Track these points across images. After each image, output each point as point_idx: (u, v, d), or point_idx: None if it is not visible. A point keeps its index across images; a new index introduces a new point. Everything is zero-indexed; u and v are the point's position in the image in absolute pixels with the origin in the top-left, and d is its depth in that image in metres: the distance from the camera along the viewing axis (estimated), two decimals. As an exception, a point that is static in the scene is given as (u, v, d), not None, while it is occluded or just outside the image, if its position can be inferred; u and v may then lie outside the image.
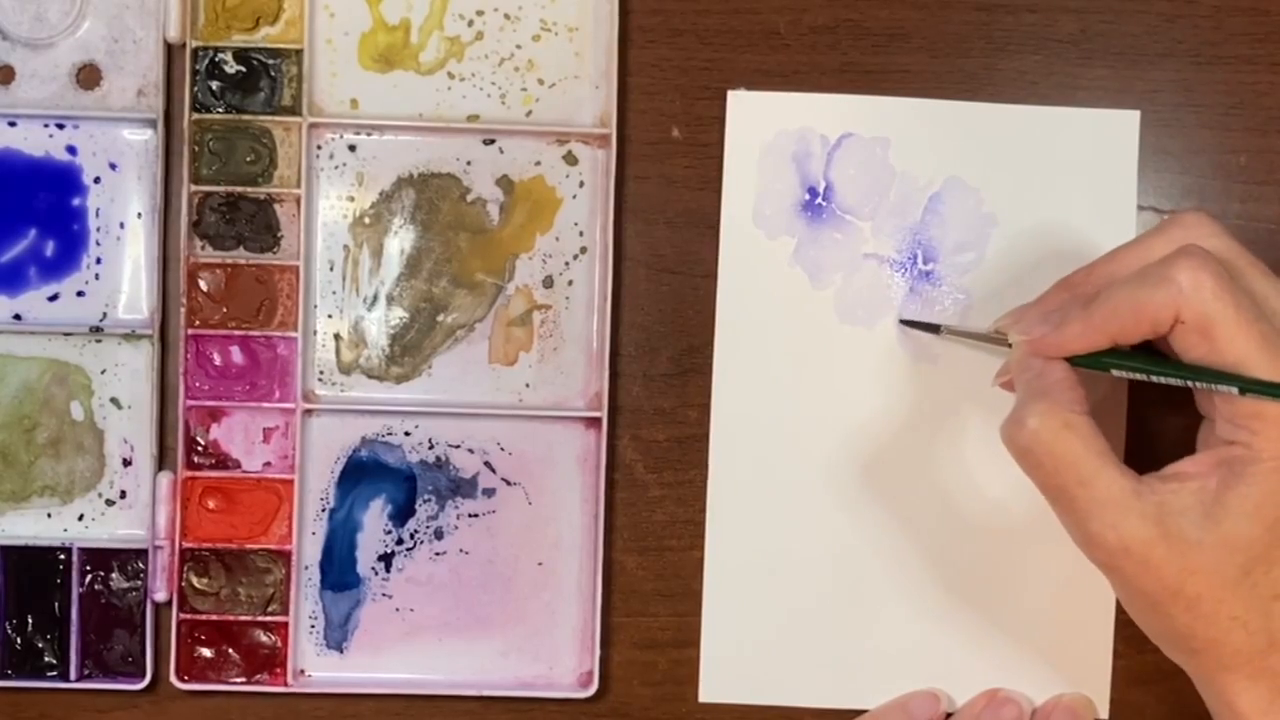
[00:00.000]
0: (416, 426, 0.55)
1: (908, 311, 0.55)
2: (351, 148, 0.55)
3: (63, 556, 0.54)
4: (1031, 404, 0.47)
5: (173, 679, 0.54)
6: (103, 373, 0.55)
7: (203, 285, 0.54)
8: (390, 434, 0.55)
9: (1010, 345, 0.49)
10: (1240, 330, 0.44)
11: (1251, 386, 0.44)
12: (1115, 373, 0.47)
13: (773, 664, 0.55)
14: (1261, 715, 0.46)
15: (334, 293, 0.55)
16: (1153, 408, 0.54)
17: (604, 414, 0.54)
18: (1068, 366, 0.47)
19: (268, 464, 0.55)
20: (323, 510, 0.55)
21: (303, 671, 0.55)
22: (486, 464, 0.55)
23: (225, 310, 0.54)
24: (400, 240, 0.55)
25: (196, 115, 0.54)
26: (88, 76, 0.54)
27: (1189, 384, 0.46)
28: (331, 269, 0.55)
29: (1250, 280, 0.47)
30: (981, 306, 0.55)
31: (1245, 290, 0.46)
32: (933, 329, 0.54)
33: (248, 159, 0.54)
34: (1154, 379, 0.47)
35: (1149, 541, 0.45)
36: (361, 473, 0.55)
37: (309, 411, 0.55)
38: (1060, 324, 0.47)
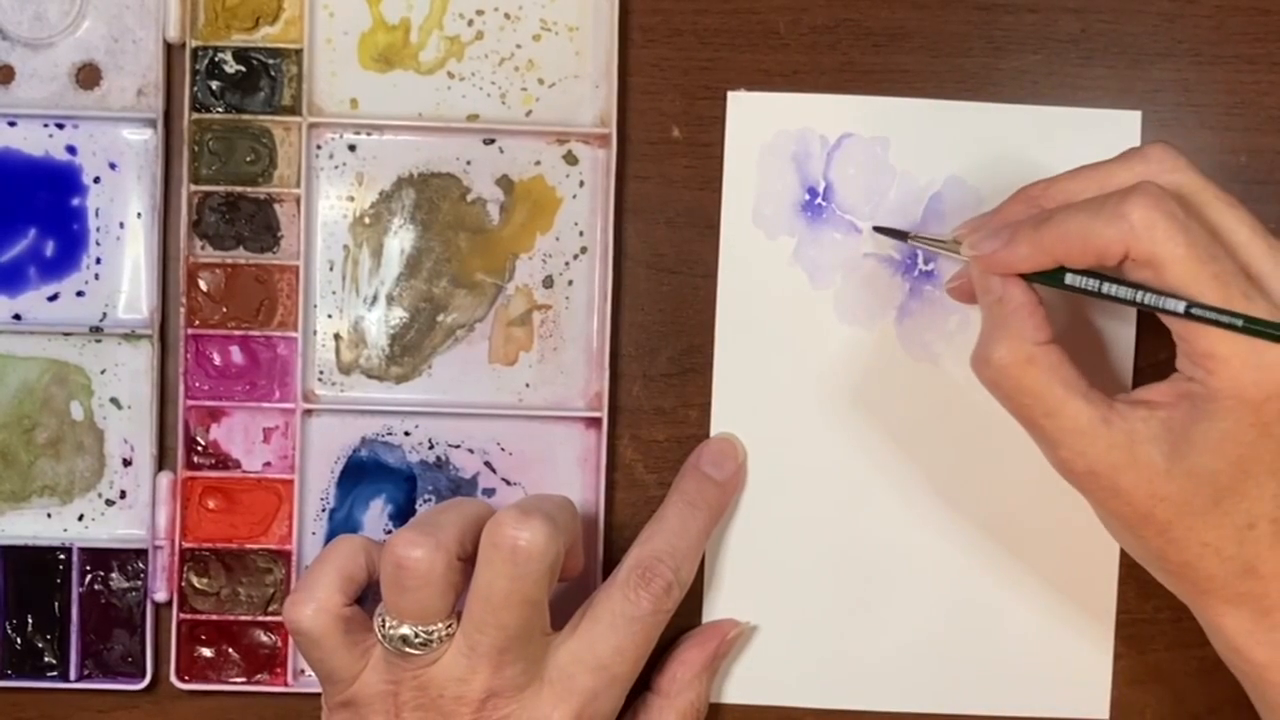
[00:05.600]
0: (416, 426, 0.55)
1: (910, 309, 0.55)
2: (351, 147, 0.55)
3: (63, 556, 0.54)
4: (994, 336, 0.47)
5: (173, 679, 0.54)
6: (102, 373, 0.55)
7: (202, 285, 0.54)
8: (390, 434, 0.55)
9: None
10: (1189, 269, 0.44)
11: (1197, 307, 0.44)
12: (1069, 285, 0.47)
13: (774, 664, 0.55)
14: (1247, 636, 0.47)
15: (334, 293, 0.55)
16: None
17: (604, 414, 0.54)
18: (1027, 289, 0.47)
19: (268, 464, 0.55)
20: (323, 510, 0.55)
21: (303, 671, 0.55)
22: (486, 464, 0.55)
23: (225, 310, 0.54)
24: (400, 240, 0.55)
25: (196, 115, 0.54)
26: (87, 76, 0.54)
27: (1138, 304, 0.46)
28: (331, 269, 0.55)
29: (1214, 213, 0.46)
30: (981, 306, 0.55)
31: (1204, 226, 0.45)
32: (901, 235, 0.54)
33: (247, 159, 0.54)
34: (1104, 294, 0.46)
35: (1117, 467, 0.45)
36: (361, 473, 0.55)
37: (309, 411, 0.55)
38: (1009, 242, 0.47)
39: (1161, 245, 0.44)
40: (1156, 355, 0.55)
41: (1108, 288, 0.46)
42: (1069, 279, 0.47)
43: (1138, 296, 0.45)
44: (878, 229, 0.54)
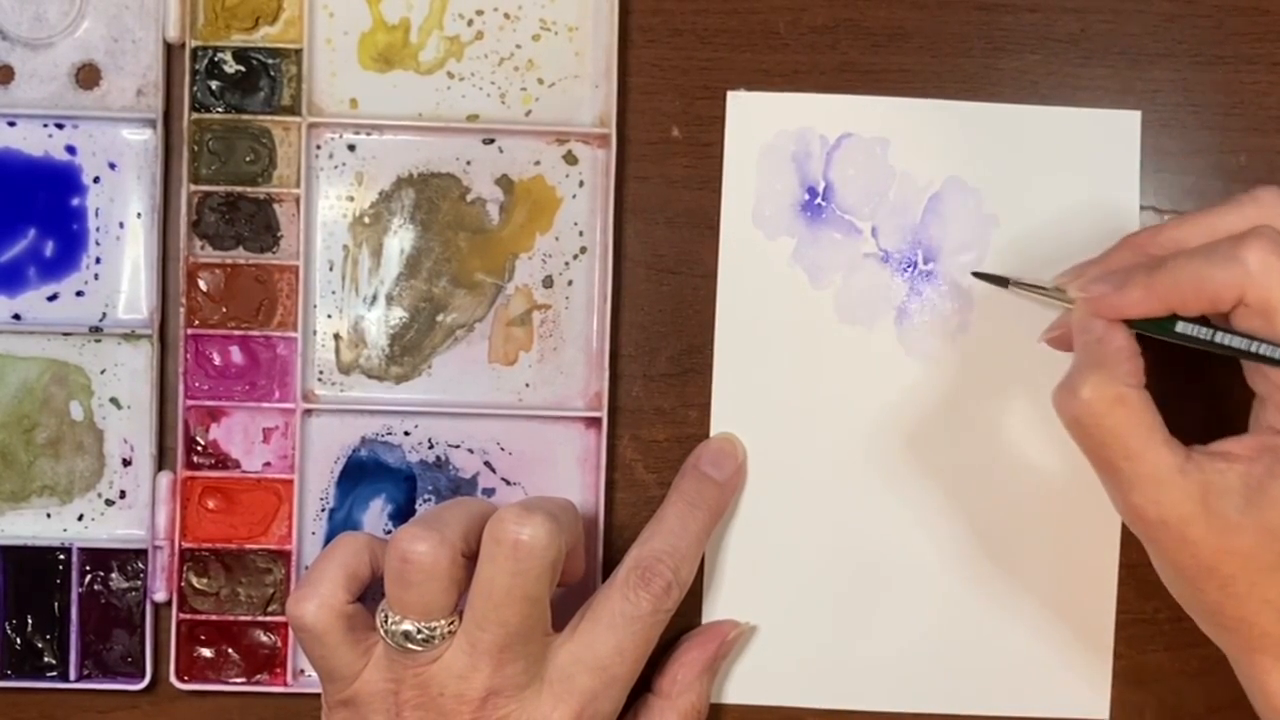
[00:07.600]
0: (416, 426, 0.55)
1: (910, 309, 0.55)
2: (351, 147, 0.55)
3: (62, 556, 0.54)
4: (1087, 372, 0.46)
5: (173, 679, 0.54)
6: (102, 373, 0.55)
7: (202, 285, 0.54)
8: (390, 434, 0.55)
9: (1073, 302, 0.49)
10: None
11: None
12: (1180, 333, 0.47)
13: (773, 664, 0.55)
14: None
15: (333, 293, 0.55)
16: (1196, 379, 0.54)
17: (604, 414, 0.54)
18: (1129, 334, 0.46)
19: (267, 464, 0.55)
20: (322, 510, 0.55)
21: (303, 671, 0.55)
22: (486, 464, 0.55)
23: (225, 310, 0.54)
24: (400, 240, 0.55)
25: (196, 115, 0.54)
26: (87, 76, 0.54)
27: (1251, 354, 0.45)
28: (331, 269, 0.55)
29: None
30: (982, 307, 0.55)
31: None
32: (1001, 282, 0.53)
33: (247, 159, 0.54)
34: (1217, 345, 0.46)
35: (1189, 519, 0.45)
36: (361, 473, 0.55)
37: (309, 411, 0.55)
38: (1122, 286, 0.46)
39: (1277, 290, 0.44)
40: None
41: (1220, 337, 0.46)
42: (1180, 327, 0.46)
43: (1253, 347, 0.45)
44: (976, 274, 0.54)
